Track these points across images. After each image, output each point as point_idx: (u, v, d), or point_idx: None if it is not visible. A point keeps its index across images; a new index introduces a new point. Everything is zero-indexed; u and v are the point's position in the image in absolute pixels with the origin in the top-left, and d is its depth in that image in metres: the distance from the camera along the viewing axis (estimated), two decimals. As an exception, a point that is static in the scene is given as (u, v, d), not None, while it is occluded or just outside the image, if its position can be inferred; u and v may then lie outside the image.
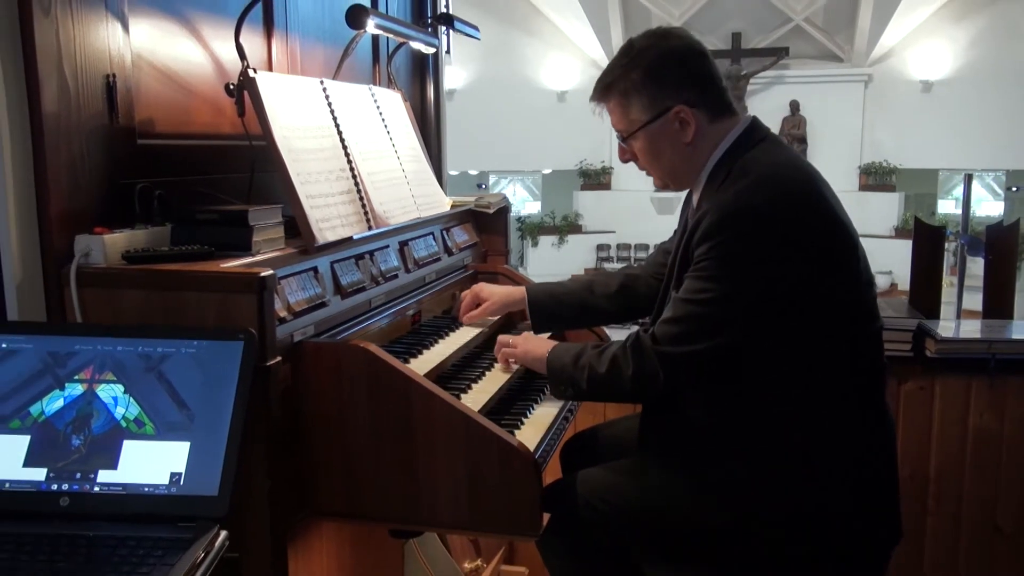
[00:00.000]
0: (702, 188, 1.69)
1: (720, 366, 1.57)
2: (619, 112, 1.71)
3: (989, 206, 14.77)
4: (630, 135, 1.71)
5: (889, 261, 12.89)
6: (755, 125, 1.69)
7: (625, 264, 14.70)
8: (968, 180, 4.08)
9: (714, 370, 1.58)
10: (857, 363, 1.63)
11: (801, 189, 1.59)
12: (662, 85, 1.64)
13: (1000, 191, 14.80)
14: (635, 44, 1.69)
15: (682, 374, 1.58)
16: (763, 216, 1.54)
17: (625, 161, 1.79)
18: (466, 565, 2.47)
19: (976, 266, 3.63)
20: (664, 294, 1.77)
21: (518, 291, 2.13)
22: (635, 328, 1.76)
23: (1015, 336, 2.58)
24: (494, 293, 2.14)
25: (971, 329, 2.61)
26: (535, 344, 1.84)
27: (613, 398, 1.90)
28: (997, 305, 2.89)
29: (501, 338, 1.94)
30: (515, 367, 1.97)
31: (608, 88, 1.71)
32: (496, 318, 2.18)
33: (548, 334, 2.14)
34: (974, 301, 3.30)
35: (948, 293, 3.32)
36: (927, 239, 2.92)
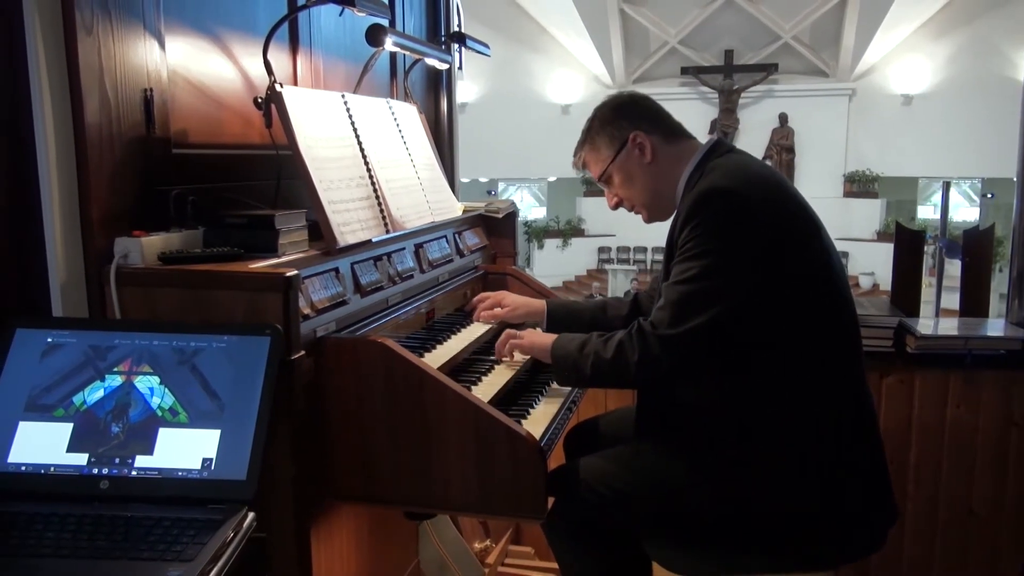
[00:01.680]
0: (680, 197, 1.74)
1: (718, 343, 1.56)
2: (593, 158, 1.86)
3: (966, 212, 14.72)
4: (605, 172, 1.83)
5: (872, 263, 12.84)
6: (721, 142, 1.78)
7: (624, 265, 14.73)
8: (946, 187, 4.07)
9: (713, 347, 1.56)
10: (837, 348, 1.64)
11: (767, 178, 1.66)
12: (618, 123, 1.80)
13: (976, 198, 14.74)
14: (594, 109, 1.88)
15: (683, 354, 1.57)
16: (735, 193, 1.57)
17: (614, 207, 1.90)
18: (476, 545, 2.47)
19: (953, 268, 3.62)
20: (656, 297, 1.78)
21: (539, 304, 2.15)
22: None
23: (990, 333, 2.56)
24: (518, 301, 2.16)
25: (949, 327, 2.60)
26: (540, 336, 1.85)
27: (617, 383, 1.89)
28: (973, 304, 2.88)
29: (507, 332, 1.93)
30: (516, 362, 1.96)
31: (581, 145, 1.89)
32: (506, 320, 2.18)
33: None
34: (951, 300, 3.29)
35: (927, 293, 3.30)
36: (907, 242, 2.90)
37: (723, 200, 1.56)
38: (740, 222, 1.56)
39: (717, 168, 1.65)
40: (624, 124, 1.79)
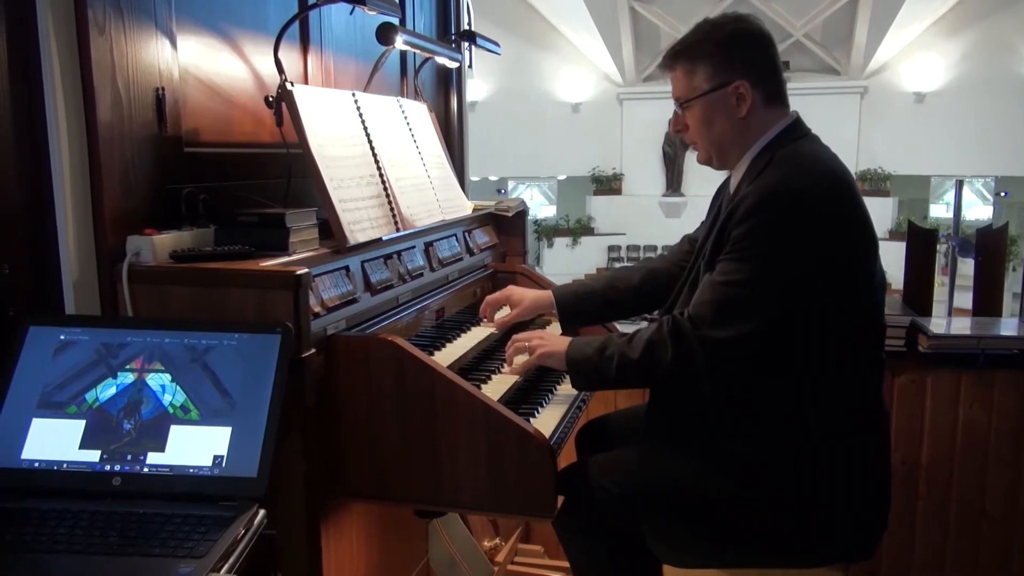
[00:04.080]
0: (743, 173, 1.65)
1: (758, 351, 1.51)
2: (683, 79, 1.66)
3: (979, 210, 14.60)
4: (688, 102, 1.66)
5: (884, 262, 12.69)
6: (799, 121, 1.67)
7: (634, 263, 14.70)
8: (959, 186, 4.04)
9: (757, 353, 1.52)
10: (863, 355, 1.61)
11: (840, 179, 1.56)
12: (730, 59, 1.61)
13: (989, 196, 14.63)
14: (711, 20, 1.67)
15: (722, 358, 1.52)
16: (803, 198, 1.50)
17: (676, 132, 1.74)
18: (486, 543, 2.47)
19: (966, 267, 3.59)
20: (686, 278, 1.73)
21: (545, 295, 2.08)
22: (643, 323, 1.73)
23: (1003, 333, 2.54)
24: (525, 297, 2.09)
25: (961, 326, 2.58)
26: (552, 342, 1.77)
27: (644, 383, 1.81)
28: (986, 304, 2.86)
29: (516, 337, 1.87)
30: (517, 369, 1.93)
31: (678, 55, 1.67)
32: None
33: (559, 332, 2.12)
34: (964, 300, 3.27)
35: (940, 292, 3.28)
36: (920, 241, 2.89)
37: (789, 205, 1.49)
38: (800, 234, 1.49)
39: (789, 160, 1.55)
40: (736, 64, 1.60)
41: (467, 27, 2.88)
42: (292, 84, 1.64)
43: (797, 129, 1.64)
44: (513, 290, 2.14)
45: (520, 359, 1.85)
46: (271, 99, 1.65)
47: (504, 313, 2.11)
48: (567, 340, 1.74)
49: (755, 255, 1.50)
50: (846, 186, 1.56)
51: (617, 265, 14.92)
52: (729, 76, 1.60)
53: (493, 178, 15.51)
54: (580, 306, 2.05)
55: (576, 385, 1.75)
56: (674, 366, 1.54)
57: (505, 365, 1.91)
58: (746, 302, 1.50)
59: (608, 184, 15.12)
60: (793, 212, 1.50)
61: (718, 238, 1.59)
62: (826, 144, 1.67)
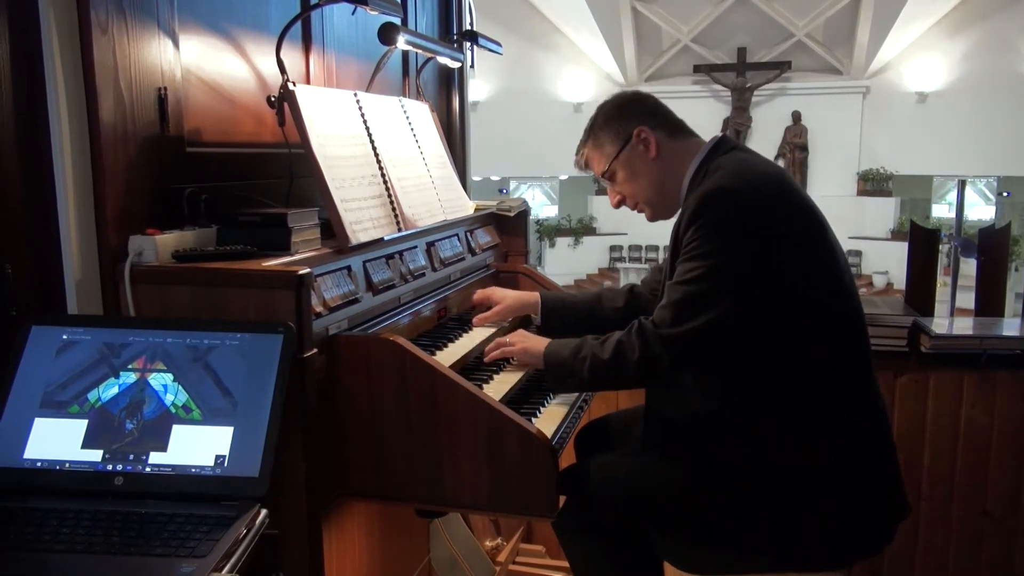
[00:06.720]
0: (685, 193, 1.73)
1: (719, 343, 1.56)
2: (596, 155, 1.84)
3: (981, 210, 14.60)
4: (608, 169, 1.81)
5: (885, 262, 12.76)
6: (725, 139, 1.77)
7: (636, 263, 14.70)
8: (961, 186, 4.04)
9: (714, 347, 1.57)
10: (845, 347, 1.62)
11: (772, 177, 1.63)
12: (621, 118, 1.79)
13: (991, 196, 14.63)
14: (598, 106, 1.87)
15: (684, 353, 1.57)
16: (739, 194, 1.56)
17: (617, 205, 1.89)
18: (487, 543, 2.47)
19: (968, 267, 3.59)
20: (663, 292, 1.77)
21: (531, 296, 2.11)
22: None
23: (1005, 333, 2.54)
24: (506, 296, 2.12)
25: (963, 326, 2.58)
26: (532, 341, 1.82)
27: (616, 384, 1.91)
28: (988, 304, 2.86)
29: (498, 340, 1.91)
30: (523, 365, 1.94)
31: (584, 143, 1.87)
32: (510, 319, 2.17)
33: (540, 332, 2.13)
34: (966, 300, 3.27)
35: (942, 292, 3.28)
36: (922, 241, 2.88)
37: (727, 201, 1.55)
38: (744, 223, 1.55)
39: (722, 167, 1.64)
40: (629, 120, 1.78)
41: (469, 27, 2.88)
42: (294, 84, 1.64)
43: (723, 146, 1.74)
44: (494, 290, 2.17)
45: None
46: (273, 99, 1.65)
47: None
48: (547, 340, 1.78)
49: (704, 252, 1.55)
50: (779, 181, 1.63)
51: (619, 265, 14.93)
52: (628, 129, 1.78)
53: (495, 178, 15.52)
54: (564, 312, 2.09)
55: (553, 387, 1.76)
56: (640, 366, 1.59)
57: (507, 364, 1.92)
58: (702, 296, 1.55)
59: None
60: (731, 209, 1.55)
61: (674, 249, 1.65)
62: (757, 153, 1.76)
